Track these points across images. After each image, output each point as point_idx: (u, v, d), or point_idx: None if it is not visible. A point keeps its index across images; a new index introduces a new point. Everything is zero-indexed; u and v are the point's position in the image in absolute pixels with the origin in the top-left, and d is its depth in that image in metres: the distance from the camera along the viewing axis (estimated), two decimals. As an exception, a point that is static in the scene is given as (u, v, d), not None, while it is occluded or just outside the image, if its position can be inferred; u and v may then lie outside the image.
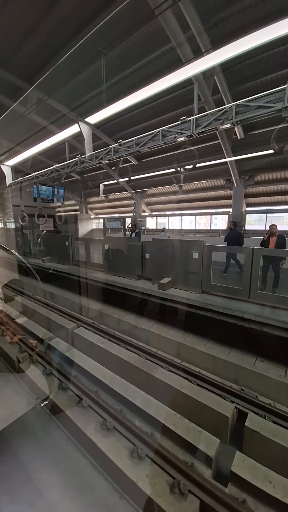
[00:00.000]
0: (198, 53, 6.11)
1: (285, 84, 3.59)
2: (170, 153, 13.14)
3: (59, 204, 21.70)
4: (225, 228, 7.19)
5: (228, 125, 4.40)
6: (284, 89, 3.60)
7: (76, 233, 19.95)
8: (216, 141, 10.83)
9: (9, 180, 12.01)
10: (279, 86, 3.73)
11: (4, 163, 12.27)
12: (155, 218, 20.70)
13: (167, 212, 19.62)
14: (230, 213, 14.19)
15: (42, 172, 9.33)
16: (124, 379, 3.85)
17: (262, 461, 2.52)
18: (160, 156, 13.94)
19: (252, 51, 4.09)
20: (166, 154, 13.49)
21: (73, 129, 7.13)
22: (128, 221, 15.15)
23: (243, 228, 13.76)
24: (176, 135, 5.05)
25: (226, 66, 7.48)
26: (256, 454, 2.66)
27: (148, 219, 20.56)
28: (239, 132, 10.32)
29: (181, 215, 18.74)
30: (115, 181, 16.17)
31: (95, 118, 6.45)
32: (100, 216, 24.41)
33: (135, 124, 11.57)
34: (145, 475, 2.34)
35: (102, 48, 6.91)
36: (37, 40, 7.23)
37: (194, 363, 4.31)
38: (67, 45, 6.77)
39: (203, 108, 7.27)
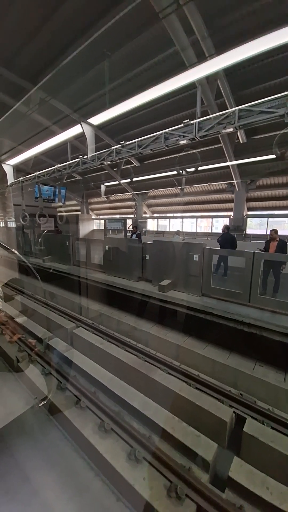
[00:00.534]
0: (201, 58, 6.16)
1: (288, 90, 3.62)
2: (173, 156, 13.13)
3: (60, 204, 21.82)
4: (223, 232, 7.27)
5: (231, 129, 4.43)
6: (287, 94, 3.63)
7: (77, 233, 20.05)
8: (219, 145, 10.88)
9: (10, 179, 12.07)
10: (282, 92, 3.76)
11: (6, 163, 12.35)
12: (156, 220, 20.73)
13: (168, 214, 19.59)
14: (232, 217, 14.21)
15: (44, 172, 9.36)
16: (122, 380, 3.84)
17: (260, 467, 2.51)
18: (162, 158, 13.97)
19: (256, 56, 4.13)
20: (168, 157, 13.51)
21: (75, 130, 7.18)
22: (129, 222, 15.15)
23: (244, 232, 13.78)
24: (179, 138, 5.07)
25: (230, 71, 7.52)
26: (254, 460, 2.64)
27: (149, 221, 20.59)
28: (241, 136, 10.37)
29: (182, 217, 18.74)
30: (116, 182, 16.21)
31: (98, 119, 6.50)
32: (101, 217, 24.40)
33: (138, 126, 11.62)
34: (142, 478, 2.33)
35: (106, 50, 6.97)
36: (41, 41, 7.28)
37: (193, 366, 4.29)
38: (71, 46, 6.81)
39: (206, 112, 7.31)
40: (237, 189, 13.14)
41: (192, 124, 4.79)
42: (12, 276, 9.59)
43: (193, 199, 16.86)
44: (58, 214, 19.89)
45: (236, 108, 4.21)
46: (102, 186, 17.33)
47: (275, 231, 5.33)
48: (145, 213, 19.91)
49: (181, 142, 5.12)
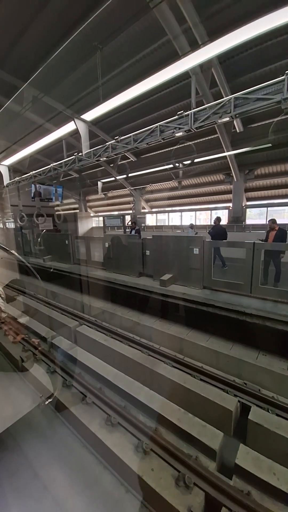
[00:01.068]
0: (194, 45, 6.03)
1: (283, 75, 3.54)
2: (169, 149, 13.03)
3: (57, 202, 21.53)
4: (214, 223, 7.25)
5: (227, 119, 4.36)
6: (283, 79, 3.55)
7: (76, 231, 19.93)
8: (215, 135, 10.75)
9: (6, 180, 11.97)
10: (278, 77, 3.68)
11: (1, 163, 12.21)
12: (154, 214, 20.59)
13: (167, 209, 19.49)
14: (231, 208, 14.13)
15: (40, 171, 9.29)
16: (127, 375, 3.87)
17: (266, 453, 2.54)
18: (158, 152, 13.86)
19: (249, 42, 4.04)
20: (165, 150, 13.40)
21: (69, 127, 7.07)
22: (128, 218, 15.11)
23: (243, 222, 13.71)
24: (174, 130, 5.00)
25: (224, 59, 7.38)
26: (260, 447, 2.68)
27: (148, 216, 20.47)
28: (238, 125, 10.22)
29: (181, 211, 18.56)
30: (113, 178, 16.06)
31: (91, 114, 6.39)
32: (99, 214, 24.27)
33: (133, 120, 11.48)
34: (150, 469, 2.37)
35: (97, 43, 6.82)
36: (31, 37, 7.14)
37: (197, 358, 4.33)
38: (61, 41, 6.68)
39: (201, 102, 7.21)
40: (235, 180, 13.02)
41: (187, 115, 4.71)
42: (13, 277, 9.61)
43: (191, 192, 16.74)
44: (56, 213, 19.83)
45: (231, 96, 4.13)
46: (99, 183, 17.22)
47: (273, 221, 5.31)
48: (143, 208, 19.79)
49: (177, 134, 5.04)
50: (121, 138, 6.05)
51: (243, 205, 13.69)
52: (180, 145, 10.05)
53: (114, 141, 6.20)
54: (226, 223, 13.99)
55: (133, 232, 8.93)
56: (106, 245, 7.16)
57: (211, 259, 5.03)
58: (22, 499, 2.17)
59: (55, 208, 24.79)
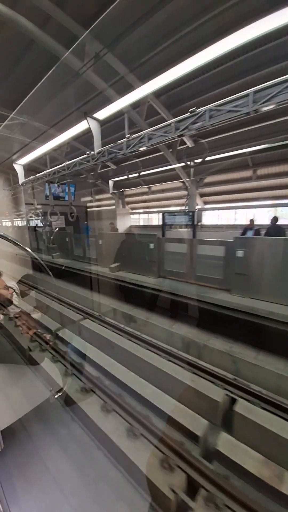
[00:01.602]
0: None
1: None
2: (245, 129, 9.80)
3: (90, 198, 20.64)
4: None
5: None
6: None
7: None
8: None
9: (22, 178, 12.02)
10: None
11: (17, 162, 12.14)
12: (214, 211, 16.51)
13: (231, 205, 15.18)
14: None
15: (75, 161, 8.14)
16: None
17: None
18: (232, 132, 10.26)
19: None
20: (239, 131, 9.97)
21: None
22: (205, 213, 11.84)
23: None
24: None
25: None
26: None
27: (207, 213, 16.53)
28: None
29: (255, 206, 14.15)
30: (156, 170, 13.49)
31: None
32: (140, 211, 21.33)
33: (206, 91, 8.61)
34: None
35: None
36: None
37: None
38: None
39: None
40: None
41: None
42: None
43: (269, 184, 12.69)
44: (88, 209, 19.29)
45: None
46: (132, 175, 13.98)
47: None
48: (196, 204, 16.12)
49: (264, 109, 3.70)
50: (184, 116, 4.61)
51: None
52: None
53: (178, 118, 4.77)
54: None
55: (250, 233, 6.96)
56: (240, 253, 4.86)
57: None
58: (31, 490, 2.39)
59: (88, 205, 23.89)
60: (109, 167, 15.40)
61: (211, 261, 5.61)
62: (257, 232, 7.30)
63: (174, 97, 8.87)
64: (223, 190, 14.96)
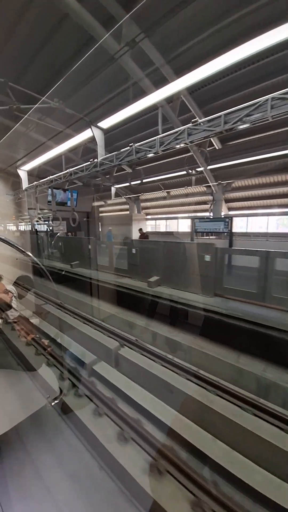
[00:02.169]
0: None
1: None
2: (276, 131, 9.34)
3: (102, 203, 20.42)
4: None
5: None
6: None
7: (130, 236, 17.75)
8: None
9: (25, 184, 12.10)
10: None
11: (21, 168, 12.05)
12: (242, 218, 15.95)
13: (258, 211, 14.46)
14: None
15: (83, 166, 8.32)
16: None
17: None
18: (261, 135, 9.78)
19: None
20: (270, 133, 9.53)
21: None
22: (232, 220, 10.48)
23: None
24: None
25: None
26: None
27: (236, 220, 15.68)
28: None
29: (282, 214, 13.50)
30: (176, 174, 13.02)
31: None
32: (157, 216, 20.87)
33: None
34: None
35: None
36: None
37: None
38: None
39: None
40: None
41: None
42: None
43: None
44: (100, 214, 18.65)
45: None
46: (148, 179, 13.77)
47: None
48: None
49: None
50: (208, 118, 4.63)
51: None
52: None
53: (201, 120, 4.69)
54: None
55: None
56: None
57: None
58: (25, 499, 2.35)
59: (100, 210, 23.42)
60: (125, 170, 14.90)
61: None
62: None
63: (206, 94, 8.27)
64: (252, 195, 14.27)
